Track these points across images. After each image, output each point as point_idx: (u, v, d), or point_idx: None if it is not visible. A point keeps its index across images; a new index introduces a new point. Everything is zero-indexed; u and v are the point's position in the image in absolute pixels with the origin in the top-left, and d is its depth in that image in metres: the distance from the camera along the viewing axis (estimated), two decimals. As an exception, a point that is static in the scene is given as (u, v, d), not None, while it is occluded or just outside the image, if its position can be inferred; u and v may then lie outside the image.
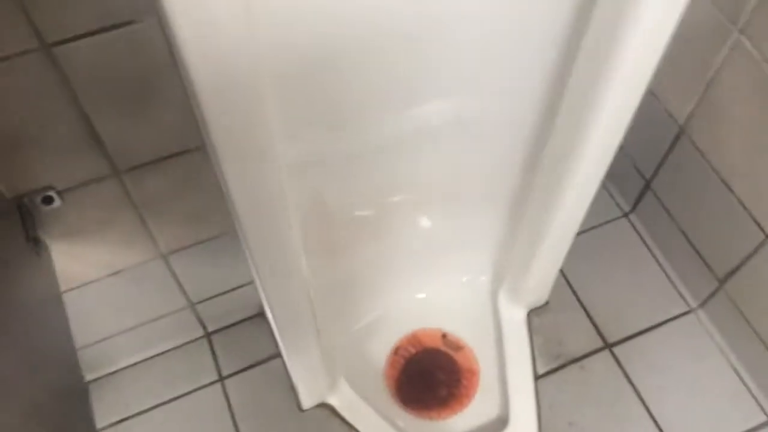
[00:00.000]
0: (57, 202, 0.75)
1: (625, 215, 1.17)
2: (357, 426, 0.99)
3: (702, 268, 1.02)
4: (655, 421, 0.98)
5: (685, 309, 1.07)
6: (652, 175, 1.08)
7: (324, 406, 1.00)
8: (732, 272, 0.97)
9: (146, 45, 0.60)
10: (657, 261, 1.12)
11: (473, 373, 1.08)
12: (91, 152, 0.70)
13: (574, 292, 1.09)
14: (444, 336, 1.12)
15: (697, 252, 1.03)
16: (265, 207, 0.59)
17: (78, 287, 0.86)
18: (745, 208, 0.89)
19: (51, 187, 0.73)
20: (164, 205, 0.81)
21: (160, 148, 0.74)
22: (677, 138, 0.98)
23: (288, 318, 0.79)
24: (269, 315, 0.81)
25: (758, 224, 0.88)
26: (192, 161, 0.76)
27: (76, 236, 0.80)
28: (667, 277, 1.10)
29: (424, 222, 1.02)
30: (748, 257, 0.92)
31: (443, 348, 1.11)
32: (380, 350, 1.10)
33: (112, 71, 0.62)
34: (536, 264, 0.97)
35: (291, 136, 0.67)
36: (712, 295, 1.03)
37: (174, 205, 0.82)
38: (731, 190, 0.91)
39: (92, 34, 0.58)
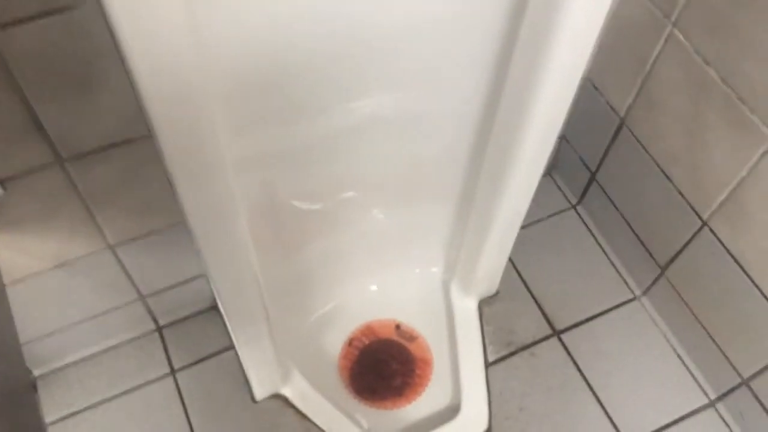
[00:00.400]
0: (-1, 192, 0.73)
1: (573, 207, 1.20)
2: (310, 416, 0.99)
3: (645, 256, 1.06)
4: (602, 406, 1.01)
5: (629, 296, 1.11)
6: (597, 168, 1.11)
7: (277, 397, 1.01)
8: (672, 260, 1.00)
9: (89, 30, 0.60)
10: (603, 250, 1.15)
11: (426, 362, 1.10)
12: (33, 140, 0.69)
13: (524, 282, 1.12)
14: (398, 327, 1.13)
15: (640, 241, 1.06)
16: (212, 201, 0.60)
17: (23, 279, 0.85)
18: (683, 196, 0.93)
19: (-9, 177, 0.72)
20: (111, 195, 0.81)
21: (105, 136, 0.73)
22: (619, 130, 1.01)
23: (239, 310, 0.80)
24: (220, 307, 0.82)
25: (695, 212, 0.91)
26: (139, 150, 0.76)
27: (20, 227, 0.79)
28: (613, 265, 1.14)
29: (376, 215, 1.03)
30: (687, 244, 0.95)
31: (397, 338, 1.12)
32: (334, 341, 1.11)
33: (53, 57, 0.61)
34: (485, 254, 0.99)
35: (237, 130, 0.68)
36: (654, 282, 1.06)
37: (122, 195, 0.82)
38: (670, 179, 0.94)
39: (31, 19, 0.57)
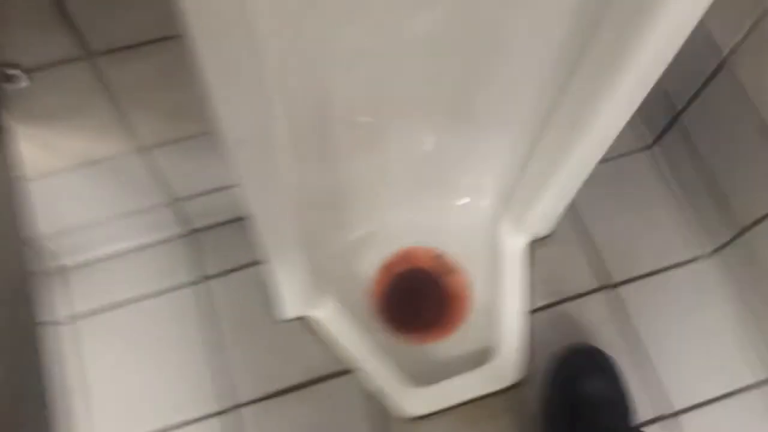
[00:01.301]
0: (24, 82, 0.67)
1: (649, 147, 1.08)
2: (337, 341, 0.95)
3: (724, 213, 0.95)
4: (654, 368, 0.94)
5: (698, 253, 1.01)
6: (683, 107, 0.98)
7: (305, 318, 0.96)
8: (756, 222, 0.89)
9: None
10: (676, 200, 1.04)
11: (463, 299, 1.04)
12: (60, 29, 0.62)
13: (583, 225, 1.02)
14: (438, 257, 1.06)
15: (722, 196, 0.95)
16: (245, 97, 0.52)
17: (47, 176, 0.80)
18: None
19: (15, 65, 0.65)
20: (144, 95, 0.74)
21: (138, 32, 0.66)
22: (718, 69, 0.88)
23: (270, 223, 0.73)
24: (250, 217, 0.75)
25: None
26: (174, 49, 0.68)
27: (46, 122, 0.73)
28: (685, 218, 1.03)
29: (429, 136, 0.94)
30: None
31: (435, 269, 1.06)
32: (370, 264, 1.05)
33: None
34: (547, 194, 0.89)
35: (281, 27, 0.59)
36: (729, 242, 0.96)
37: (154, 97, 0.75)
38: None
39: None
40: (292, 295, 0.90)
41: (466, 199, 1.05)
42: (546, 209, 0.95)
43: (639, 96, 0.68)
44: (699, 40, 0.88)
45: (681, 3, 0.55)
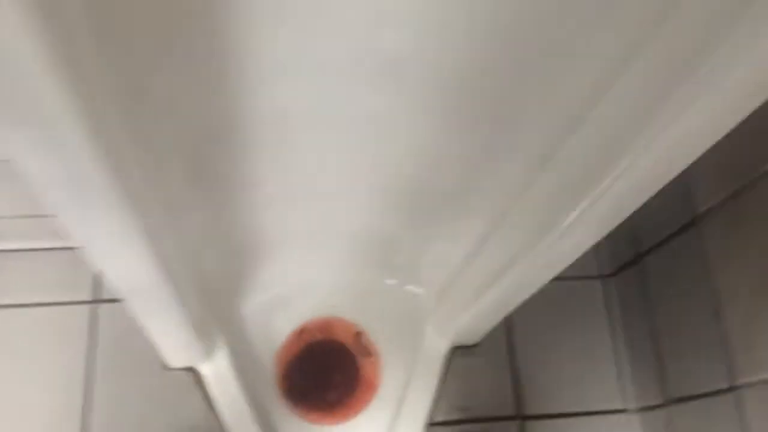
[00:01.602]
0: None
1: (605, 276, 1.01)
2: (219, 404, 0.88)
3: (659, 376, 0.88)
4: None
5: (620, 407, 0.94)
6: (647, 250, 0.92)
7: (193, 370, 0.89)
8: (683, 400, 0.82)
9: None
10: (614, 343, 0.97)
11: (372, 387, 0.97)
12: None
13: (510, 345, 0.95)
14: (358, 334, 0.99)
15: (662, 358, 0.88)
16: None
17: None
18: (724, 343, 0.74)
19: None
20: None
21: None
22: (689, 225, 0.82)
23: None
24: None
25: (730, 369, 0.73)
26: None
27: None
28: (618, 365, 0.96)
29: (369, 207, 0.86)
30: (705, 396, 0.77)
31: (352, 347, 0.99)
32: (283, 326, 0.98)
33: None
34: (482, 305, 0.82)
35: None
36: (654, 408, 0.89)
37: None
38: (720, 318, 0.75)
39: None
40: (172, 349, 0.83)
41: (397, 282, 0.99)
42: (478, 321, 0.88)
43: (602, 231, 0.58)
44: (678, 188, 0.82)
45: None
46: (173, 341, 0.80)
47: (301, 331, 0.99)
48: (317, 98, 0.57)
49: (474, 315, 0.81)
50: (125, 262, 0.52)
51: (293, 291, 0.98)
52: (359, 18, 0.47)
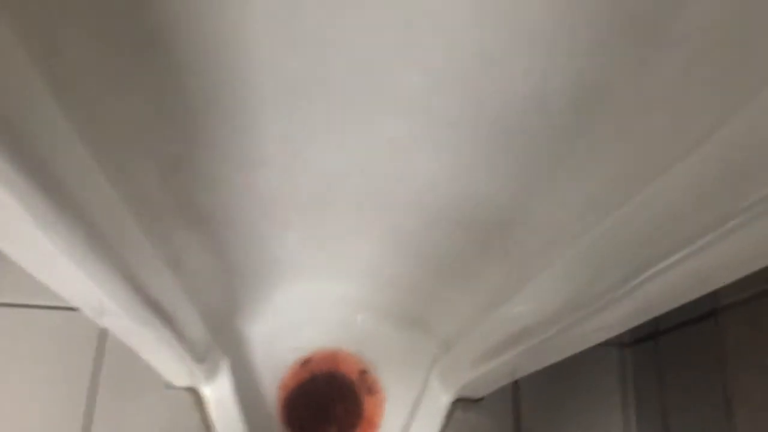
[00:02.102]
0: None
1: (622, 345, 0.98)
2: (217, 425, 0.87)
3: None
4: None
5: (625, 481, 0.91)
6: (664, 330, 0.89)
7: (194, 390, 0.89)
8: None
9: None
10: (624, 416, 0.94)
11: (373, 426, 0.95)
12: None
13: (516, 403, 0.93)
14: (363, 372, 0.98)
15: (668, 436, 0.85)
16: None
17: None
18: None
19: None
20: None
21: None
22: (708, 315, 0.79)
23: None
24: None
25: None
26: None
27: None
28: (626, 436, 0.93)
29: (384, 255, 0.85)
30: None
31: (357, 383, 0.98)
32: (289, 354, 0.97)
33: None
34: (493, 365, 0.79)
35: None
36: (660, 488, 0.86)
37: None
38: (731, 414, 0.72)
39: None
40: (171, 373, 0.82)
41: (405, 325, 0.97)
42: (485, 380, 0.86)
43: (635, 320, 0.55)
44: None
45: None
46: (170, 368, 0.80)
47: (306, 362, 0.98)
48: (333, 125, 0.55)
49: (482, 374, 0.79)
50: (116, 304, 0.51)
51: (301, 321, 0.97)
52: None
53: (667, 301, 0.45)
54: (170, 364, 0.78)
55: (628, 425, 0.93)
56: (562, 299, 0.51)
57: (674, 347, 0.86)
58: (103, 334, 0.89)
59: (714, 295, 0.77)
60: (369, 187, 0.67)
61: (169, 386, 0.88)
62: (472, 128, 0.53)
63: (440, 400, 0.91)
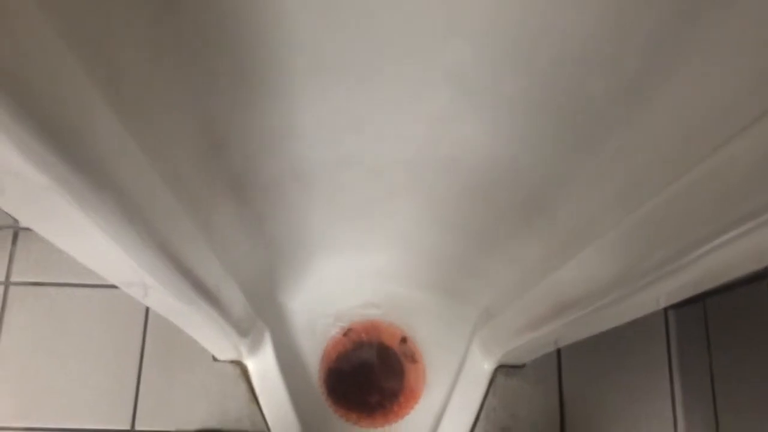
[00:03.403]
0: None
1: (666, 308, 0.97)
2: (261, 400, 0.89)
3: (711, 423, 0.84)
4: None
5: (669, 446, 0.90)
6: (714, 290, 0.87)
7: (239, 364, 0.90)
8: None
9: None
10: (670, 379, 0.93)
11: (414, 395, 0.96)
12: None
13: (559, 368, 0.93)
14: (404, 340, 0.98)
15: (716, 407, 0.84)
16: None
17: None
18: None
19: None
20: None
21: None
22: (758, 278, 0.77)
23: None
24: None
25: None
26: None
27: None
28: (672, 402, 0.92)
29: (431, 227, 0.85)
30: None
31: (398, 351, 0.98)
32: (331, 323, 0.98)
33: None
34: (537, 335, 0.79)
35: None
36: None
37: None
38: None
39: None
40: (216, 348, 0.83)
41: (445, 295, 0.97)
42: (528, 349, 0.85)
43: (687, 292, 0.54)
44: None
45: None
46: (215, 343, 0.81)
47: (347, 332, 0.98)
48: (376, 100, 0.54)
49: (525, 343, 0.79)
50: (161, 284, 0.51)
51: (341, 292, 0.98)
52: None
53: (721, 275, 0.44)
54: (215, 339, 0.79)
55: (674, 390, 0.92)
56: (613, 271, 0.50)
57: (722, 309, 0.85)
58: (150, 310, 0.91)
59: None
60: (407, 156, 0.66)
61: (214, 359, 0.89)
62: (514, 98, 0.52)
63: (482, 367, 0.91)
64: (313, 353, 0.96)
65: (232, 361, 0.89)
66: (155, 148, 0.46)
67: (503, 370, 0.92)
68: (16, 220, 0.94)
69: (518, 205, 0.70)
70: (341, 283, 0.97)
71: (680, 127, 0.40)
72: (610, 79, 0.43)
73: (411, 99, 0.54)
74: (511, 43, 0.45)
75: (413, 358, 0.98)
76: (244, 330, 0.81)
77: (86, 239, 0.42)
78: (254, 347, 0.88)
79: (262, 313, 0.87)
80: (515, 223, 0.74)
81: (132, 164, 0.42)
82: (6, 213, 0.37)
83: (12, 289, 0.91)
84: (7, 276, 0.91)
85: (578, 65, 0.44)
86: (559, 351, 0.93)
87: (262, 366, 0.90)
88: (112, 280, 0.50)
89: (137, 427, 0.86)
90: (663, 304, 0.54)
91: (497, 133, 0.59)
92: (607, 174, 0.51)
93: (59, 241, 0.42)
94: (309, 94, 0.53)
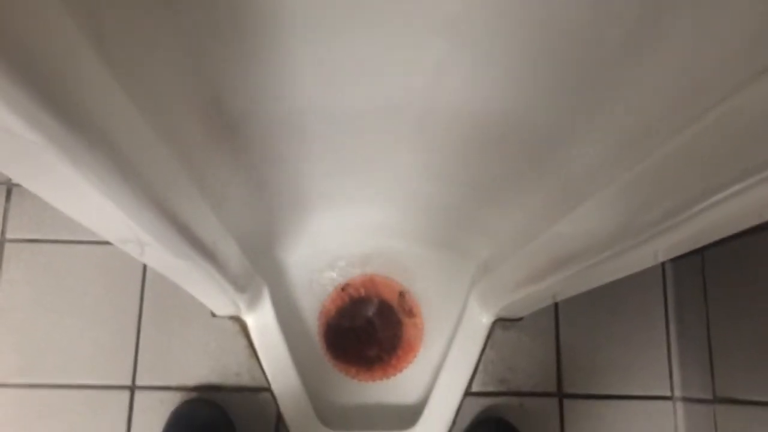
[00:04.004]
0: None
1: (661, 263, 0.97)
2: (260, 355, 0.90)
3: (707, 373, 0.85)
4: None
5: (665, 394, 0.92)
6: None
7: (238, 320, 0.91)
8: (731, 401, 0.80)
9: None
10: (666, 330, 0.94)
11: (412, 349, 0.97)
12: None
13: (556, 321, 0.93)
14: (402, 294, 0.99)
15: (711, 355, 0.85)
16: None
17: None
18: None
19: None
20: None
21: None
22: (757, 230, 0.76)
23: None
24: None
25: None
26: None
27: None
28: (668, 352, 0.93)
29: (426, 178, 0.84)
30: (754, 404, 0.75)
31: (396, 306, 0.99)
32: (328, 280, 0.98)
33: None
34: (533, 289, 0.79)
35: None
36: (700, 401, 0.87)
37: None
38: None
39: None
40: (213, 304, 0.83)
41: (443, 248, 0.97)
42: (525, 303, 0.85)
43: (689, 246, 0.53)
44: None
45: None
46: (213, 299, 0.81)
47: (345, 286, 0.98)
48: (377, 49, 0.53)
49: (523, 297, 0.79)
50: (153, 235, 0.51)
51: (338, 247, 0.98)
52: None
53: (722, 230, 0.43)
54: (213, 295, 0.79)
55: (669, 341, 0.93)
56: (613, 225, 0.50)
57: (721, 261, 0.85)
58: (148, 266, 0.91)
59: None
60: (408, 107, 0.65)
61: (213, 315, 0.90)
62: (515, 48, 0.50)
63: (480, 320, 0.92)
64: (312, 308, 0.97)
65: (230, 317, 0.90)
66: (150, 103, 0.45)
67: (501, 323, 0.92)
68: (9, 177, 0.92)
69: (520, 158, 0.69)
70: (340, 238, 0.97)
71: (687, 78, 0.39)
72: (615, 27, 0.42)
73: (412, 47, 0.53)
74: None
75: (411, 312, 0.98)
76: (242, 286, 0.81)
77: (79, 196, 0.41)
78: (253, 303, 0.88)
79: (260, 268, 0.87)
80: (517, 176, 0.73)
81: (125, 120, 0.41)
82: (-3, 170, 0.37)
83: (7, 246, 0.90)
84: (2, 233, 0.91)
85: (582, 11, 0.42)
86: (556, 304, 0.93)
87: (261, 321, 0.90)
88: (107, 238, 0.49)
89: (138, 383, 0.87)
90: (661, 259, 0.53)
91: (499, 84, 0.58)
92: (610, 127, 0.50)
93: (51, 198, 0.41)
94: (308, 44, 0.51)
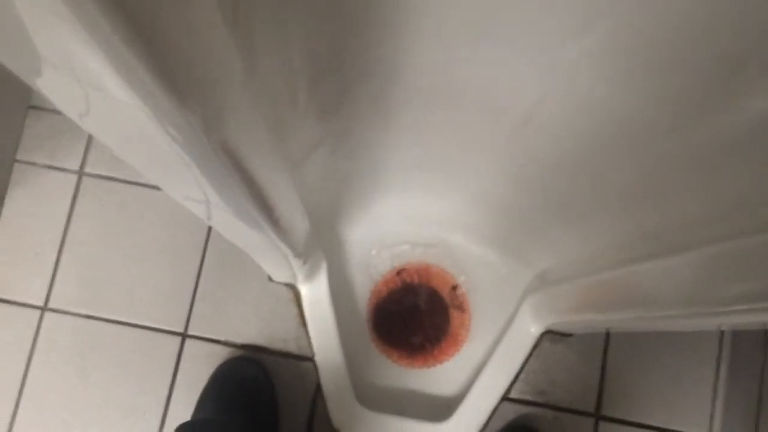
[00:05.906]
0: None
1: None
2: (309, 325, 0.91)
3: (750, 424, 0.84)
4: None
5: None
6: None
7: (293, 288, 0.92)
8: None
9: None
10: (716, 371, 0.92)
11: (457, 342, 0.97)
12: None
13: (606, 343, 0.92)
14: (455, 288, 0.99)
15: (760, 403, 0.83)
16: None
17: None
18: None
19: None
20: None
21: None
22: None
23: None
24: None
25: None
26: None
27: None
28: (714, 393, 0.92)
29: (500, 185, 0.83)
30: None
31: (447, 298, 0.99)
32: (385, 262, 0.99)
33: None
34: (592, 318, 0.78)
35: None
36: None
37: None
38: None
39: None
40: (274, 265, 0.84)
41: (502, 251, 0.96)
42: (579, 326, 0.85)
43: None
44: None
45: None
46: (273, 265, 0.82)
47: (400, 271, 0.99)
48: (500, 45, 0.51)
49: (577, 321, 0.78)
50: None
51: (402, 233, 0.98)
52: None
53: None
54: (274, 261, 0.80)
55: (717, 384, 0.91)
56: (694, 289, 0.48)
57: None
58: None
59: None
60: (509, 108, 0.63)
61: (270, 280, 0.91)
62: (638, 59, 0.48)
63: (529, 329, 0.92)
64: (364, 288, 0.97)
65: (286, 284, 0.91)
66: (256, 75, 0.44)
67: (550, 335, 0.92)
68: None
69: (610, 184, 0.68)
70: (402, 224, 0.97)
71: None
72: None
73: (534, 50, 0.50)
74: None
75: (461, 308, 0.98)
76: (304, 257, 0.82)
77: (157, 154, 0.39)
78: (310, 274, 0.89)
79: (322, 241, 0.88)
80: (600, 201, 0.71)
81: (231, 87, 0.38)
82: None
83: (85, 179, 0.93)
84: (82, 165, 0.93)
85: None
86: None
87: (315, 293, 0.91)
88: (175, 197, 0.49)
89: (190, 332, 0.90)
90: (723, 329, 0.52)
91: (630, 103, 0.55)
92: (727, 187, 0.47)
93: (122, 152, 0.40)
94: (423, 33, 0.50)
